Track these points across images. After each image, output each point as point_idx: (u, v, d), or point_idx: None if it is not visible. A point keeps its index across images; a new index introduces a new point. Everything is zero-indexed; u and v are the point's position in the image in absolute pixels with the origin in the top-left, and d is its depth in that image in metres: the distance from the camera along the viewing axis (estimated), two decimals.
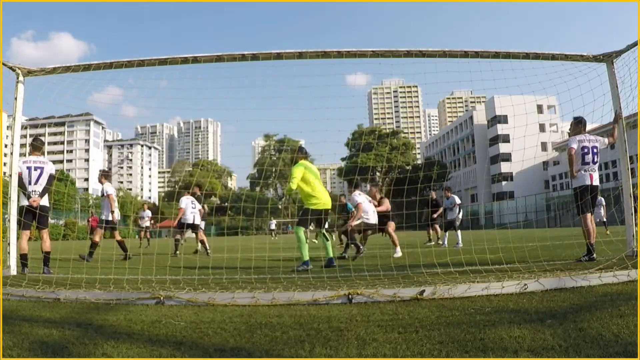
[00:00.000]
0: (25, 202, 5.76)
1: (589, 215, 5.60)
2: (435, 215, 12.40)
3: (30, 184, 5.87)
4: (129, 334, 2.52)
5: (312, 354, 2.09)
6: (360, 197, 8.41)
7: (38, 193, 5.89)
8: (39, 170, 5.95)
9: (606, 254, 5.55)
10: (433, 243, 11.96)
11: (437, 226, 12.48)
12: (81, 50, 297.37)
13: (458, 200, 11.93)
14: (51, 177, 6.06)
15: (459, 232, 11.18)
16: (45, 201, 6.01)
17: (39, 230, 6.08)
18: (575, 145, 5.75)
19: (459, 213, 11.72)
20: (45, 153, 6.44)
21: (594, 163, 5.71)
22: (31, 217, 5.77)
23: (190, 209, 10.82)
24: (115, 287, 4.06)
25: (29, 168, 5.91)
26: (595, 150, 5.74)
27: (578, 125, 5.94)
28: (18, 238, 5.60)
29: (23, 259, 5.69)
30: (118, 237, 9.00)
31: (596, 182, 5.70)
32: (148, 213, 17.56)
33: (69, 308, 3.38)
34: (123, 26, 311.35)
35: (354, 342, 2.23)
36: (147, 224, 17.41)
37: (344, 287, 3.71)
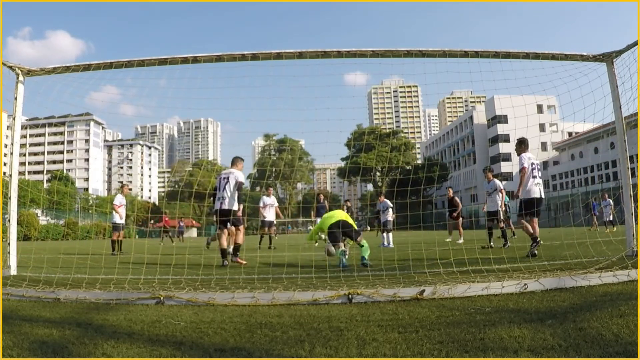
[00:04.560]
0: (215, 207, 7.09)
1: (535, 219, 6.83)
2: (455, 214, 12.53)
3: (219, 191, 7.03)
4: (129, 334, 2.53)
5: (312, 354, 2.09)
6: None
7: (225, 199, 6.98)
8: (226, 179, 7.09)
9: (606, 254, 5.55)
10: (461, 241, 11.63)
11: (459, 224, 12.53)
12: (79, 48, 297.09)
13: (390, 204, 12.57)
14: (238, 184, 7.06)
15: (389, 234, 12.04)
16: (232, 205, 7.01)
17: (235, 228, 7.22)
18: (527, 164, 6.83)
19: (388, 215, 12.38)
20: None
21: (540, 177, 6.92)
22: (222, 219, 6.94)
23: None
24: (115, 287, 4.06)
25: (219, 179, 7.22)
26: (539, 166, 6.98)
27: (521, 145, 7.12)
28: (17, 238, 5.91)
29: (223, 253, 6.89)
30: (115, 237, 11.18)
31: (542, 194, 6.90)
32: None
33: (69, 308, 3.39)
34: (122, 25, 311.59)
35: (354, 342, 2.23)
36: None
37: (344, 286, 3.71)
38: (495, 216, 9.65)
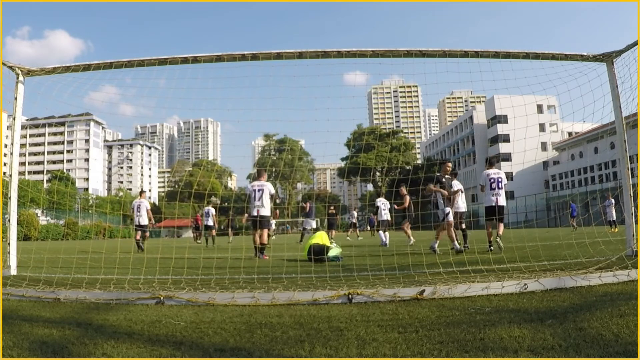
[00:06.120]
0: (252, 213, 8.41)
1: (501, 224, 8.04)
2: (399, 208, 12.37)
3: (254, 200, 8.41)
4: (129, 334, 2.53)
5: (312, 354, 2.09)
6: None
7: (262, 207, 8.34)
8: (260, 192, 8.46)
9: (606, 254, 5.55)
10: (411, 242, 11.40)
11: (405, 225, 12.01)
12: (78, 48, 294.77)
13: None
14: (271, 195, 8.53)
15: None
16: (266, 211, 8.44)
17: (260, 230, 8.47)
18: (482, 182, 8.31)
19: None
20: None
21: (499, 188, 8.12)
22: (256, 223, 8.35)
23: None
24: (115, 287, 4.06)
25: (253, 190, 8.52)
26: (500, 179, 8.14)
27: (485, 163, 8.70)
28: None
29: (256, 249, 8.30)
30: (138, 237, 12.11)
31: (501, 202, 8.11)
32: (212, 211, 16.78)
33: (69, 308, 3.39)
34: (122, 25, 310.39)
35: (354, 342, 2.23)
36: (211, 222, 16.62)
37: (344, 286, 3.71)
38: (461, 217, 9.51)
